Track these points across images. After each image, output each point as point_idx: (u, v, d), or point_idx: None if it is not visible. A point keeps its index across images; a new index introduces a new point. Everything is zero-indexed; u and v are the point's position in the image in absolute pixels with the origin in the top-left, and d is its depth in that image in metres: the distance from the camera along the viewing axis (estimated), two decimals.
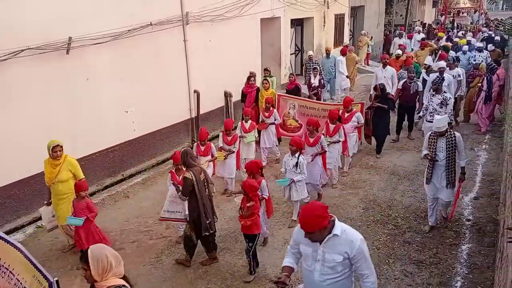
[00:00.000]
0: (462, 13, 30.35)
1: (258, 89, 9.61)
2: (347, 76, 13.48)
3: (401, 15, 25.35)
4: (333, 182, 7.72)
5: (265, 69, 10.64)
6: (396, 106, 9.69)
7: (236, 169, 7.64)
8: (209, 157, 6.97)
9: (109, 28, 7.44)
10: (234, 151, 7.45)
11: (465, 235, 6.13)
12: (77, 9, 7.08)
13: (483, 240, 5.96)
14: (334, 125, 7.36)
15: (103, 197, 7.71)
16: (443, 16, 27.52)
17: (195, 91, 9.83)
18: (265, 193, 5.51)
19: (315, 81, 11.56)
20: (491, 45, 15.50)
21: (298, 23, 15.32)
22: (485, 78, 10.28)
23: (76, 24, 7.03)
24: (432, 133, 5.91)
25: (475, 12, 35.03)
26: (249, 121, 7.89)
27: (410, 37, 19.05)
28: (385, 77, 10.71)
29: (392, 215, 6.68)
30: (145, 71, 8.55)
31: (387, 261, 5.56)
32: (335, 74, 13.24)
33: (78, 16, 7.10)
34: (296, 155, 6.12)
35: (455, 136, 5.78)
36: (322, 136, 6.85)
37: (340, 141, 7.40)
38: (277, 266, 5.51)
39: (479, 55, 13.60)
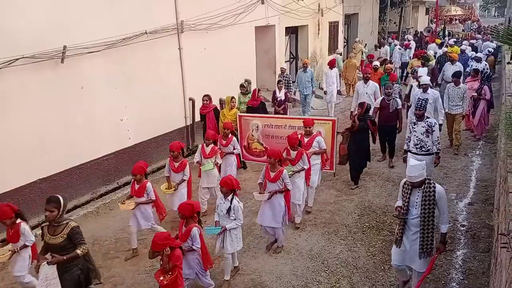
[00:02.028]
0: (455, 20, 30.49)
1: (216, 109, 8.63)
2: (338, 92, 12.69)
3: (394, 23, 25.60)
4: (296, 222, 6.60)
5: (241, 85, 9.59)
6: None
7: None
8: (143, 198, 5.78)
9: (104, 37, 7.47)
10: (185, 180, 6.42)
11: (460, 241, 6.16)
12: (72, 17, 7.10)
13: (477, 245, 5.99)
14: (295, 151, 6.35)
15: (97, 205, 7.69)
16: (434, 24, 27.74)
17: (190, 99, 9.86)
18: (196, 244, 4.68)
19: (280, 95, 10.38)
20: (489, 49, 15.36)
21: (292, 31, 15.43)
22: (486, 86, 10.01)
23: (71, 33, 7.04)
24: (406, 180, 4.60)
25: (472, 22, 35.15)
26: (211, 145, 6.85)
27: (407, 46, 18.68)
28: (367, 93, 9.63)
29: (387, 221, 6.69)
30: (140, 79, 8.56)
31: (382, 268, 5.56)
32: (312, 89, 12.20)
33: (73, 25, 7.11)
34: (229, 198, 5.03)
35: (434, 190, 4.45)
36: (285, 171, 5.76)
37: (304, 169, 6.34)
38: (272, 273, 5.51)
39: (476, 66, 12.31)
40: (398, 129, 8.74)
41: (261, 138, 8.13)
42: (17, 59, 6.23)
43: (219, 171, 7.15)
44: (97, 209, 7.55)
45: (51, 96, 6.95)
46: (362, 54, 18.23)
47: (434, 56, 15.40)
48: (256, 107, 9.27)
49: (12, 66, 6.20)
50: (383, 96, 8.87)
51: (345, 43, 20.48)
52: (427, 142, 6.68)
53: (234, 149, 7.37)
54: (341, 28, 18.65)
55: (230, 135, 7.33)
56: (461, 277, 5.33)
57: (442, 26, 28.85)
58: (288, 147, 6.41)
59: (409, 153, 6.88)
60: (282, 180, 5.67)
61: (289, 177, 5.95)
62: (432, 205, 4.46)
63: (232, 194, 5.04)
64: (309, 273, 5.52)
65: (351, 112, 9.68)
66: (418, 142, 6.74)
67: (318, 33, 16.38)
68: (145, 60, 8.61)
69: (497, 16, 65.49)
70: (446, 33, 27.46)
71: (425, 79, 8.89)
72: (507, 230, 3.50)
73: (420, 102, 6.71)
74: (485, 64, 12.91)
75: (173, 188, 6.33)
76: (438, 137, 6.70)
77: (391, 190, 7.78)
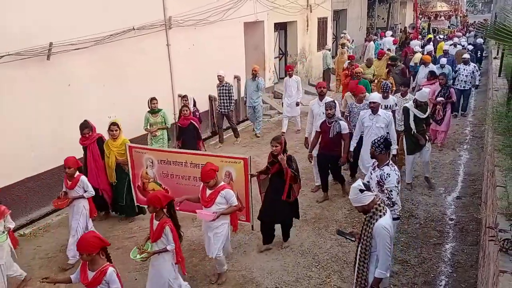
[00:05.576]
0: (440, 17, 30.60)
1: (100, 139, 6.64)
2: (297, 104, 10.83)
3: (382, 18, 25.74)
4: None
5: (151, 99, 7.97)
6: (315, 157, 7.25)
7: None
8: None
9: (91, 33, 7.37)
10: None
11: (449, 234, 6.22)
12: (59, 14, 6.99)
13: (466, 239, 6.06)
14: (158, 222, 4.34)
15: None
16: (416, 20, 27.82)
17: (179, 96, 9.80)
18: None
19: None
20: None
21: (281, 27, 15.40)
22: (452, 88, 9.59)
23: (57, 29, 6.93)
24: None
25: (463, 20, 35.13)
26: None
27: (395, 42, 18.30)
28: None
29: None
30: (128, 76, 8.48)
31: None
32: (261, 101, 10.91)
33: (60, 21, 7.00)
34: None
35: (372, 227, 3.74)
36: (111, 269, 3.62)
37: (167, 250, 4.36)
38: (263, 269, 5.52)
39: (464, 69, 11.33)
40: (341, 161, 6.96)
41: (158, 177, 6.23)
42: (1, 56, 6.13)
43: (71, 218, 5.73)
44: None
45: (37, 93, 6.85)
46: (348, 49, 18.23)
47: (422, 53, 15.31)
48: (186, 128, 7.92)
49: None
50: (324, 118, 7.01)
51: (334, 39, 20.52)
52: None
53: (84, 191, 5.59)
54: (330, 24, 18.68)
55: (76, 173, 5.52)
56: (450, 270, 5.39)
57: (427, 23, 28.97)
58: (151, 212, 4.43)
59: None
60: (105, 282, 3.61)
61: (143, 260, 4.43)
62: (369, 239, 3.78)
63: None
64: (300, 268, 5.53)
65: (306, 138, 7.75)
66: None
67: (307, 29, 16.39)
68: (133, 56, 8.53)
69: (484, 11, 66.12)
70: (431, 29, 27.55)
71: (375, 96, 7.02)
72: (494, 223, 3.54)
73: (377, 143, 4.65)
74: (474, 66, 11.62)
75: None
76: (393, 200, 4.59)
77: None
